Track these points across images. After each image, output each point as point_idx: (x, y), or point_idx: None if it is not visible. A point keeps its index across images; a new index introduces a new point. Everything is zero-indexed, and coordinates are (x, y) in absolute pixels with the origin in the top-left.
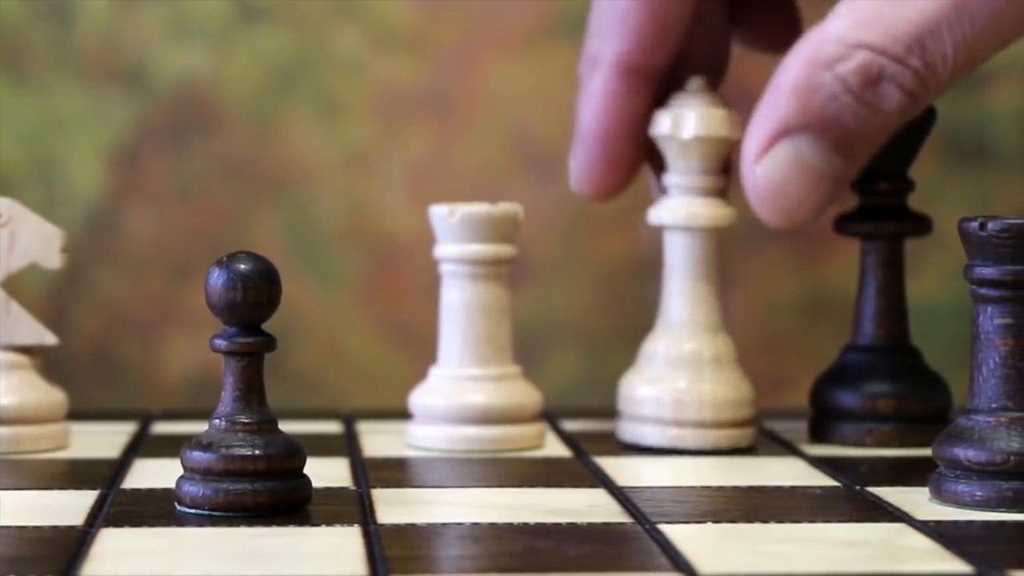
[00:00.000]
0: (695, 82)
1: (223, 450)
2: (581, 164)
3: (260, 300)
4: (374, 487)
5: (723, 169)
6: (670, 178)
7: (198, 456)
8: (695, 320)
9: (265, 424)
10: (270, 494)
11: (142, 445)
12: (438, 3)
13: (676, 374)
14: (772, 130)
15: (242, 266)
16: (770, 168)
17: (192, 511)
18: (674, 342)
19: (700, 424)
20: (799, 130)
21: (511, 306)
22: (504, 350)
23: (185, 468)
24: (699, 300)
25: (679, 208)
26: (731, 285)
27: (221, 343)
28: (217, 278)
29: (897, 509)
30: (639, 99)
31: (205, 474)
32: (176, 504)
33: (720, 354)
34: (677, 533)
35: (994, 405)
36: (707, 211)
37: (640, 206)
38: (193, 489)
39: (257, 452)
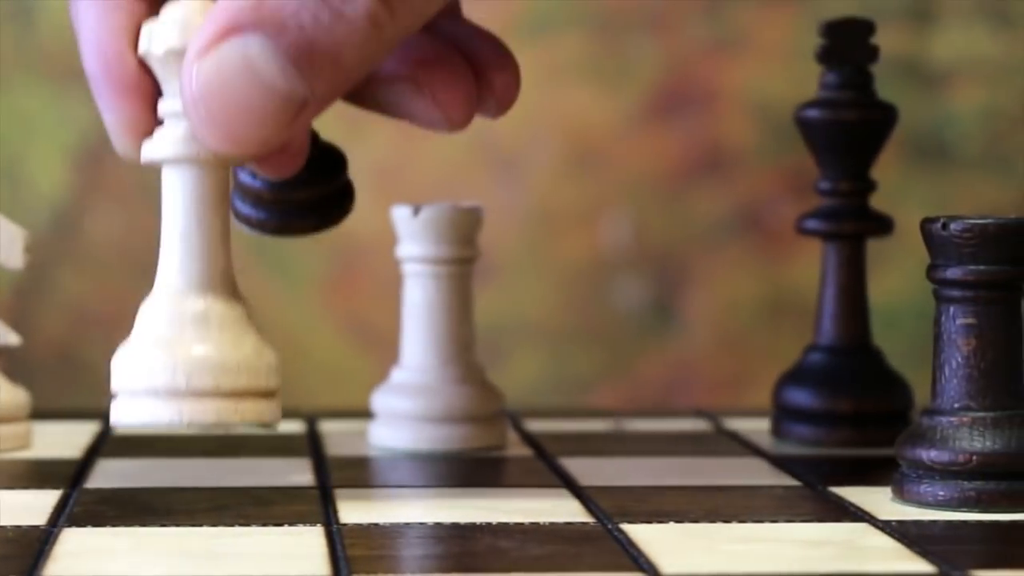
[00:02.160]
0: None
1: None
2: (105, 114)
3: None
4: (337, 487)
5: None
6: (164, 104)
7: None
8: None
9: None
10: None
11: (105, 445)
12: None
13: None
14: (221, 25)
15: None
16: (211, 68)
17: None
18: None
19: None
20: (251, 28)
21: (474, 306)
22: (467, 350)
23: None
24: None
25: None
26: (692, 284)
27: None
28: None
29: (859, 509)
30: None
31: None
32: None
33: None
34: (639, 533)
35: (956, 405)
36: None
37: (602, 206)
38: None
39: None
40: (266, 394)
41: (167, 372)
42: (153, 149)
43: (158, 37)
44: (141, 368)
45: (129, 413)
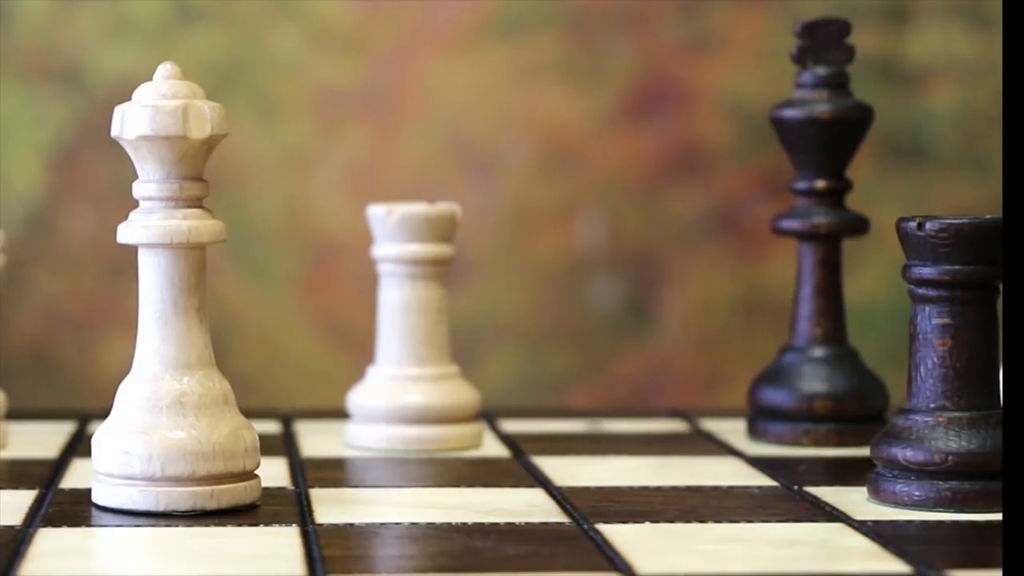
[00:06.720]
0: (161, 68)
1: None
2: None
3: None
4: (312, 487)
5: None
6: (137, 186)
7: None
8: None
9: None
10: None
11: (80, 445)
12: (376, 3)
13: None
14: None
15: None
16: None
17: None
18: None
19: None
20: None
21: (449, 306)
22: (442, 350)
23: None
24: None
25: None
26: (668, 284)
27: None
28: None
29: (835, 509)
30: None
31: None
32: None
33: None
34: (615, 533)
35: (932, 405)
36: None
37: (577, 206)
38: None
39: None
40: (243, 476)
41: (142, 460)
42: (129, 232)
43: (129, 123)
44: (118, 454)
45: (108, 497)
